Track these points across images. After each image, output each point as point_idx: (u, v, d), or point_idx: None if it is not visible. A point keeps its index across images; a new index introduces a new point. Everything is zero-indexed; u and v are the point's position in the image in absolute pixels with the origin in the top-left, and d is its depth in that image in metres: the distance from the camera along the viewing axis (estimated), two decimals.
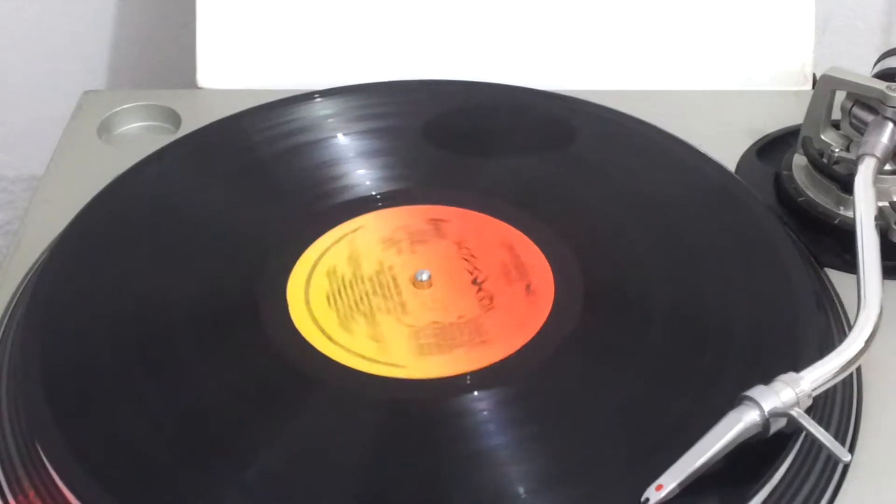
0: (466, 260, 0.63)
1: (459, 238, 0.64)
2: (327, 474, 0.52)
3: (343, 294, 0.61)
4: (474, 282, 0.62)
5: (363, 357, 0.57)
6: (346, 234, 0.65)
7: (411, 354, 0.58)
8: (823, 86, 0.67)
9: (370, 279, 0.62)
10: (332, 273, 0.62)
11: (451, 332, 0.59)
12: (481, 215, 0.66)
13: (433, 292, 0.61)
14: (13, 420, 0.55)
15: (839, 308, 0.62)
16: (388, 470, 0.52)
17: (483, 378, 0.56)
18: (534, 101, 0.74)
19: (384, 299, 0.61)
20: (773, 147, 0.73)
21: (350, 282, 0.62)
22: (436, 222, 0.65)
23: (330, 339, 0.58)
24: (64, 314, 0.59)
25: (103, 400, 0.55)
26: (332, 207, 0.66)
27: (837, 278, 0.64)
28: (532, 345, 0.58)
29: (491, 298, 0.60)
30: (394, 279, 0.62)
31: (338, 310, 0.60)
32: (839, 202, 0.66)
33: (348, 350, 0.58)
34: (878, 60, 0.71)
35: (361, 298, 0.61)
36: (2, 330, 0.61)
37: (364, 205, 0.66)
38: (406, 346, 0.58)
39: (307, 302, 0.60)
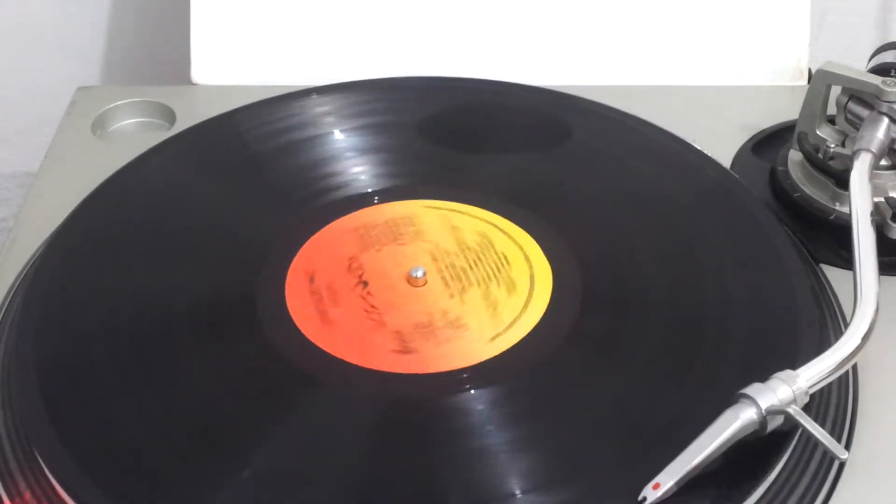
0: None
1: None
2: (309, 466, 0.52)
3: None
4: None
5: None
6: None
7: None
8: (819, 81, 0.67)
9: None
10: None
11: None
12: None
13: (430, 285, 0.61)
14: (8, 421, 0.55)
15: (835, 304, 0.62)
16: (366, 462, 0.53)
17: (476, 376, 0.56)
18: (530, 98, 0.74)
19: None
20: (768, 143, 0.73)
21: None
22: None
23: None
24: (59, 313, 0.59)
25: (99, 400, 0.55)
26: (327, 204, 0.66)
27: (833, 274, 0.64)
28: (526, 342, 0.58)
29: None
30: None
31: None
32: (835, 198, 0.66)
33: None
34: (874, 55, 0.71)
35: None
36: None
37: (360, 201, 0.66)
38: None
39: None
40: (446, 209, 0.66)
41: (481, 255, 0.63)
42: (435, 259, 0.63)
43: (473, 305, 0.60)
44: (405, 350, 0.57)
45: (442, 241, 0.64)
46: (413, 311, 0.60)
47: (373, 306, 0.60)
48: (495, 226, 0.64)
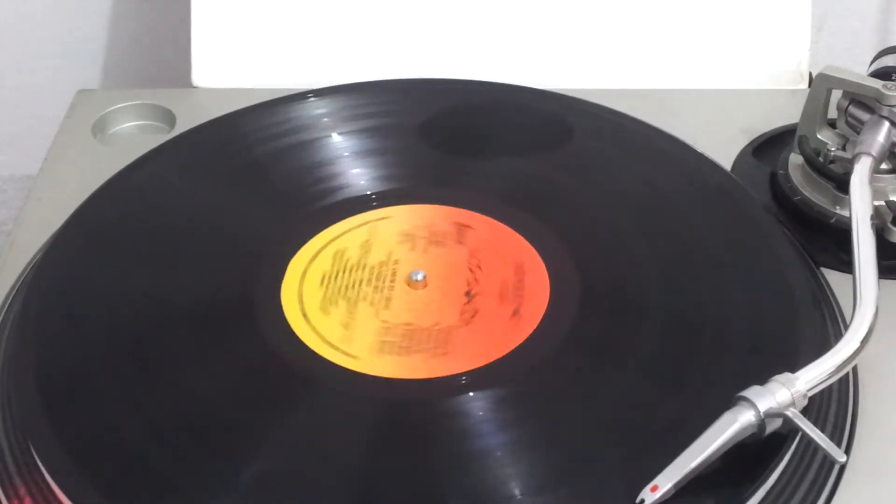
0: (472, 271, 0.62)
1: (476, 247, 0.64)
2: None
3: (339, 277, 0.61)
4: (467, 293, 0.61)
5: (325, 341, 0.58)
6: (370, 221, 0.65)
7: (370, 349, 0.58)
8: (819, 84, 0.67)
9: (371, 268, 0.62)
10: (339, 255, 0.63)
11: (420, 336, 0.58)
12: (500, 224, 0.65)
13: (423, 294, 0.61)
14: (6, 420, 0.55)
15: (835, 307, 0.62)
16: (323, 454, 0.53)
17: (480, 377, 0.56)
18: (530, 100, 0.74)
19: (374, 290, 0.61)
20: (769, 146, 0.73)
21: (351, 267, 0.62)
22: (461, 227, 0.65)
23: (305, 317, 0.59)
24: (58, 314, 0.59)
25: (97, 400, 0.55)
26: (326, 207, 0.66)
27: (833, 278, 0.64)
28: (527, 344, 0.58)
29: (474, 313, 0.60)
30: (393, 273, 0.62)
31: (326, 291, 0.60)
32: (835, 201, 0.66)
33: (316, 332, 0.58)
34: (875, 59, 0.71)
35: (353, 285, 0.61)
36: None
37: (359, 204, 0.66)
38: (370, 340, 0.58)
39: (300, 292, 0.61)
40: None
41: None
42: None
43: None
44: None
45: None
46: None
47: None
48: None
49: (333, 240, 0.64)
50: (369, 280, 0.61)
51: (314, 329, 0.59)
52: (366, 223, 0.65)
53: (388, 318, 0.59)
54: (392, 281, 0.62)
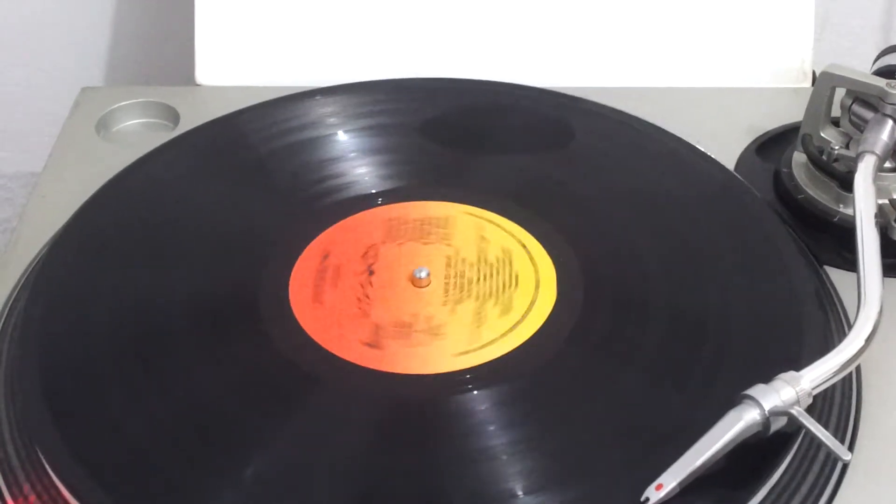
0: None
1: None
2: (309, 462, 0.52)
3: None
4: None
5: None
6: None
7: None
8: (823, 83, 0.67)
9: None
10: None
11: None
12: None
13: (433, 286, 0.61)
14: (11, 420, 0.55)
15: (839, 306, 0.62)
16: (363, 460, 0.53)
17: (483, 375, 0.56)
18: (533, 99, 0.74)
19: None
20: (772, 144, 0.73)
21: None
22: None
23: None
24: (62, 312, 0.59)
25: (102, 399, 0.55)
26: (331, 205, 0.66)
27: (837, 276, 0.64)
28: (530, 343, 0.58)
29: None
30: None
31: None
32: (839, 200, 0.66)
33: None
34: (878, 57, 0.71)
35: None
36: None
37: (364, 202, 0.66)
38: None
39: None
40: (483, 218, 0.65)
41: (495, 272, 0.62)
42: (449, 265, 0.62)
43: (461, 318, 0.59)
44: (374, 345, 0.58)
45: (465, 249, 0.63)
46: (401, 309, 0.60)
47: (367, 296, 0.60)
48: (523, 245, 0.64)
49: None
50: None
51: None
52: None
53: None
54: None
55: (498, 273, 0.62)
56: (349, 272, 0.62)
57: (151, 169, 0.68)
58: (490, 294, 0.61)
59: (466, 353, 0.57)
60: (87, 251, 0.63)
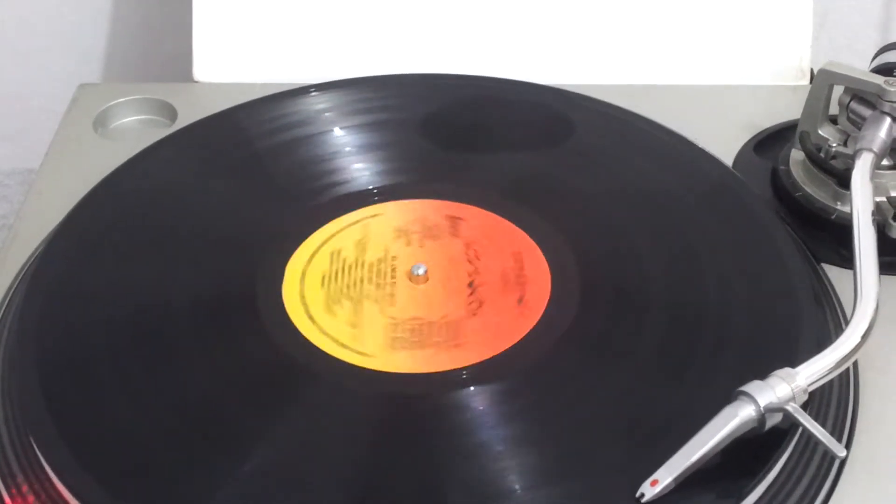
0: (470, 262, 0.63)
1: (471, 238, 0.64)
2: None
3: (339, 277, 0.61)
4: (470, 284, 0.61)
5: (336, 341, 0.58)
6: (363, 219, 0.65)
7: (383, 346, 0.58)
8: (821, 80, 0.67)
9: (370, 266, 0.62)
10: (335, 255, 0.62)
11: (429, 330, 0.58)
12: (495, 216, 0.65)
13: (426, 288, 0.61)
14: (8, 414, 0.55)
15: (836, 303, 0.62)
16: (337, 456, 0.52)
17: (479, 372, 0.56)
18: (531, 95, 0.74)
19: (376, 287, 0.61)
20: (770, 142, 0.73)
21: (350, 266, 0.62)
22: (453, 219, 0.65)
23: (311, 318, 0.59)
24: (59, 308, 0.59)
25: (98, 393, 0.55)
26: (327, 202, 0.66)
27: (834, 274, 0.64)
28: (526, 340, 0.58)
29: (480, 303, 0.60)
30: (393, 269, 0.62)
31: (329, 291, 0.60)
32: (836, 197, 0.66)
33: (325, 332, 0.58)
34: (876, 55, 0.71)
35: (355, 283, 0.61)
36: None
37: (360, 199, 0.66)
38: (380, 337, 0.58)
39: (302, 293, 0.60)
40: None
41: (486, 268, 0.62)
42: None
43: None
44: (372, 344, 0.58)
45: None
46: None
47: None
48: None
49: (327, 240, 0.63)
50: (370, 278, 0.61)
51: (322, 330, 0.58)
52: (358, 221, 0.65)
53: (395, 315, 0.59)
54: (393, 277, 0.61)
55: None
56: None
57: (148, 165, 0.68)
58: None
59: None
60: (84, 247, 0.63)
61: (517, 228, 0.64)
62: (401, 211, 0.66)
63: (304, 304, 0.60)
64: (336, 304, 0.60)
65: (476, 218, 0.65)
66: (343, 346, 0.57)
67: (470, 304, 0.60)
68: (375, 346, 0.58)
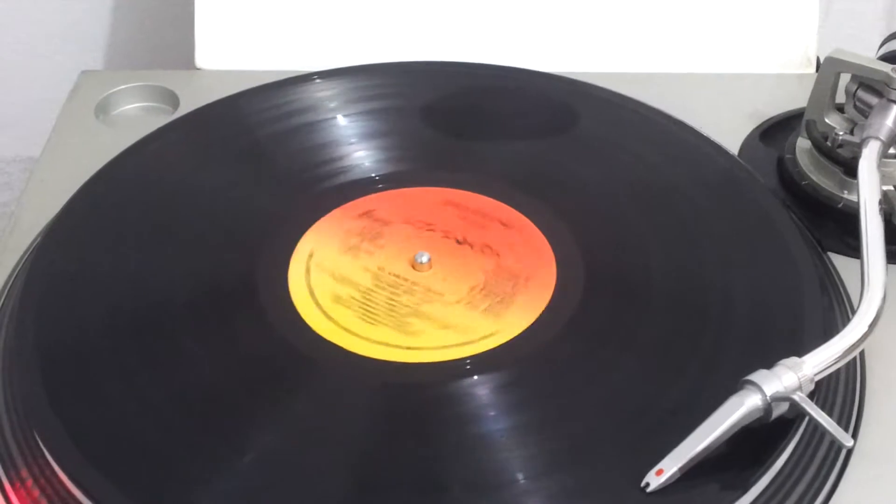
0: (432, 231, 0.63)
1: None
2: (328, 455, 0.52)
3: (372, 308, 0.59)
4: (459, 242, 0.62)
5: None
6: (307, 266, 0.62)
7: (487, 319, 0.58)
8: (828, 68, 0.67)
9: (379, 287, 0.60)
10: (339, 299, 0.59)
11: (494, 286, 0.59)
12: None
13: (436, 270, 0.61)
14: (9, 404, 0.55)
15: (842, 292, 0.62)
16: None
17: (483, 362, 0.56)
18: (536, 84, 0.74)
19: (410, 294, 0.60)
20: (776, 130, 0.73)
21: (365, 296, 0.60)
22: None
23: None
24: (60, 296, 0.59)
25: (100, 383, 0.54)
26: (330, 189, 0.66)
27: (841, 262, 0.64)
28: (531, 330, 0.57)
29: (489, 247, 0.61)
30: (395, 275, 0.61)
31: (384, 321, 0.58)
32: (843, 186, 0.66)
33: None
34: (883, 43, 0.71)
35: (392, 304, 0.59)
36: None
37: (363, 187, 0.66)
38: (477, 317, 0.58)
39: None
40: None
41: (494, 259, 0.62)
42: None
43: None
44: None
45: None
46: (405, 295, 0.60)
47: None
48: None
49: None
50: (393, 292, 0.60)
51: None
52: (307, 270, 0.62)
53: (457, 297, 0.59)
54: (405, 278, 0.61)
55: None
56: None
57: (150, 152, 0.68)
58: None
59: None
60: (86, 235, 0.63)
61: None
62: (325, 235, 0.64)
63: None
64: (407, 325, 0.58)
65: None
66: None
67: (484, 252, 0.61)
68: (486, 324, 0.57)
